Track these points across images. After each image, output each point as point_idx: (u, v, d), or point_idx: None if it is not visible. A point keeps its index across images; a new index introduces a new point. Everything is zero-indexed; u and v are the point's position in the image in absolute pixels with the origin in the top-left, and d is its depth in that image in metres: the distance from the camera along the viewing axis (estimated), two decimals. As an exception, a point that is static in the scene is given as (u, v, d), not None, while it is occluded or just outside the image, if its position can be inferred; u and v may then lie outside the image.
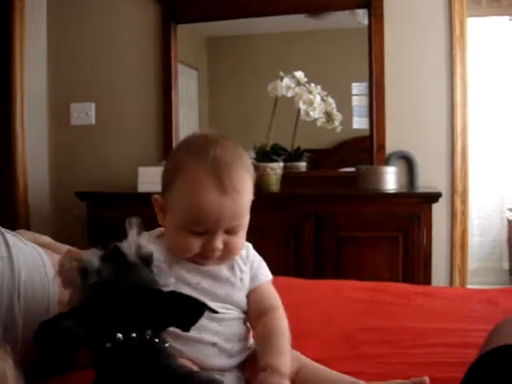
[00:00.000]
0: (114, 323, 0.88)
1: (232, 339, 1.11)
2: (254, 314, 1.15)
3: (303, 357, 1.17)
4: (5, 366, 0.84)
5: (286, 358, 1.07)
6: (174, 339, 1.03)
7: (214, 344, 1.09)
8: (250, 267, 1.18)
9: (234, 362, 1.11)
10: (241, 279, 1.16)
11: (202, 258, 1.11)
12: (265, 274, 1.20)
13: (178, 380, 0.87)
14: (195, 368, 1.03)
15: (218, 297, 1.12)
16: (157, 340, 0.89)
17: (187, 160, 1.10)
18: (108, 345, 0.86)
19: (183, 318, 0.93)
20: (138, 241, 0.98)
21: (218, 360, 1.08)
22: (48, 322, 0.86)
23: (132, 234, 0.97)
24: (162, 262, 1.00)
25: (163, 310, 0.91)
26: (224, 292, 1.13)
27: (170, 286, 0.95)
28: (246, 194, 1.11)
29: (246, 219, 1.13)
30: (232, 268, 1.15)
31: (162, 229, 1.17)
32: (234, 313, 1.14)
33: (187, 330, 0.94)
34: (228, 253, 1.12)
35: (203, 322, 1.05)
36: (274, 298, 1.19)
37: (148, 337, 0.88)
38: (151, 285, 0.94)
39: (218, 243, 1.09)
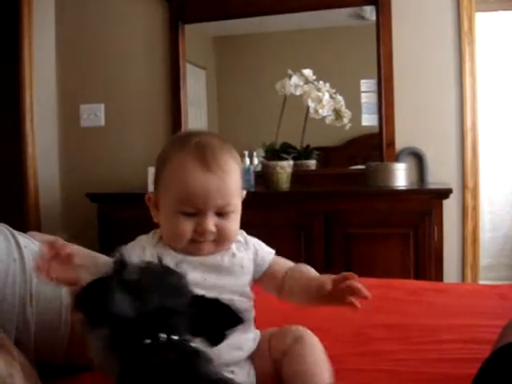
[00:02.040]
0: (157, 320, 0.85)
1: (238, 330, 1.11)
2: (278, 282, 1.19)
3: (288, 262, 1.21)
4: (11, 372, 0.84)
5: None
6: None
7: None
8: (253, 253, 1.19)
9: (243, 354, 1.12)
10: (241, 266, 1.16)
11: (196, 244, 1.11)
12: (267, 252, 1.22)
13: None
14: None
15: (226, 289, 1.12)
16: (194, 345, 0.87)
17: (171, 150, 1.15)
18: (148, 341, 0.82)
19: (217, 329, 0.92)
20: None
21: (227, 354, 1.07)
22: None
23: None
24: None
25: (206, 316, 0.90)
26: (230, 282, 1.13)
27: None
28: (232, 175, 1.13)
29: (236, 202, 1.14)
30: (233, 256, 1.16)
31: (158, 230, 1.18)
32: (241, 304, 1.13)
33: (216, 344, 0.92)
34: (222, 239, 1.12)
35: None
36: (288, 262, 1.23)
37: (189, 341, 0.86)
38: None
39: (209, 225, 1.09)
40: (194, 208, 1.10)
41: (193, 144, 1.12)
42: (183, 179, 1.10)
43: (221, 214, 1.11)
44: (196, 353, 0.86)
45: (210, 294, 1.07)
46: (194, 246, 1.11)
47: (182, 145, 1.14)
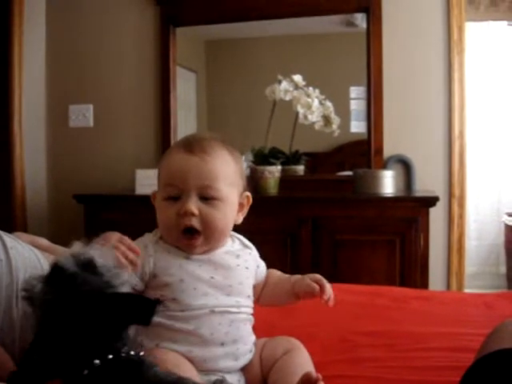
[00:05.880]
0: (82, 347, 0.83)
1: (239, 341, 1.12)
2: (259, 288, 1.26)
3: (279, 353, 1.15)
4: None
5: None
6: (185, 337, 1.04)
7: (222, 344, 1.09)
8: (256, 259, 1.22)
9: (238, 364, 1.12)
10: (247, 268, 1.17)
11: (186, 238, 1.10)
12: (262, 262, 1.26)
13: None
14: (195, 372, 1.03)
15: (233, 289, 1.13)
16: (132, 353, 0.86)
17: (168, 151, 1.20)
18: (86, 372, 0.81)
19: (140, 315, 0.89)
20: (77, 249, 0.95)
21: (223, 362, 1.09)
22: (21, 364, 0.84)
23: (75, 246, 0.96)
24: (108, 263, 0.97)
25: (121, 311, 0.87)
26: (237, 282, 1.14)
27: (125, 284, 0.91)
28: (218, 159, 1.12)
29: (222, 189, 1.12)
30: (238, 257, 1.17)
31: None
32: (244, 312, 1.14)
33: (148, 323, 0.89)
34: (207, 227, 1.10)
35: (214, 321, 1.07)
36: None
37: (124, 354, 0.85)
38: (102, 289, 0.90)
39: (190, 205, 1.08)
40: (176, 189, 1.10)
41: (184, 138, 1.19)
42: (166, 163, 1.15)
43: (205, 198, 1.10)
44: (138, 362, 0.85)
45: (217, 293, 1.08)
46: (184, 239, 1.11)
47: (176, 143, 1.22)
